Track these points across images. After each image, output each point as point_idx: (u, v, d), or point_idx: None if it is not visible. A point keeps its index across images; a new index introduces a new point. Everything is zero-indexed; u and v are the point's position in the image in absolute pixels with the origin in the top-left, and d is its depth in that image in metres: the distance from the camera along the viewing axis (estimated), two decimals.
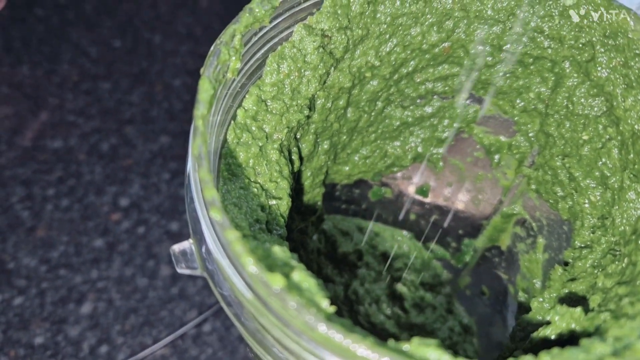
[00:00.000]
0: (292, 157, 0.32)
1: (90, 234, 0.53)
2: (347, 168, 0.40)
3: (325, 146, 0.36)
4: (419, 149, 0.40)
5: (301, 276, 0.21)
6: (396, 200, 0.47)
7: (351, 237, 0.46)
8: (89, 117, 0.60)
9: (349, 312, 0.43)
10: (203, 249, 0.23)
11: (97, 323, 0.48)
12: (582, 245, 0.32)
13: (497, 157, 0.40)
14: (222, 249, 0.21)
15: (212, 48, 0.25)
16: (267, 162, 0.28)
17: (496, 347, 0.44)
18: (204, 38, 0.69)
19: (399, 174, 0.45)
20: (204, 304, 0.49)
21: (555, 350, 0.20)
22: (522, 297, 0.39)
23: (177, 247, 0.23)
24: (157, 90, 0.63)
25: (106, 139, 0.59)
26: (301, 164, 0.34)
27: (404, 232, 0.48)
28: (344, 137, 0.37)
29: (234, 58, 0.26)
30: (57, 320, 0.48)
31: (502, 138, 0.39)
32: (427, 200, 0.46)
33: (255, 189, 0.27)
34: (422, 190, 0.46)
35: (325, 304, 0.20)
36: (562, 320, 0.24)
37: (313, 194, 0.38)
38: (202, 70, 0.25)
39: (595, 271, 0.29)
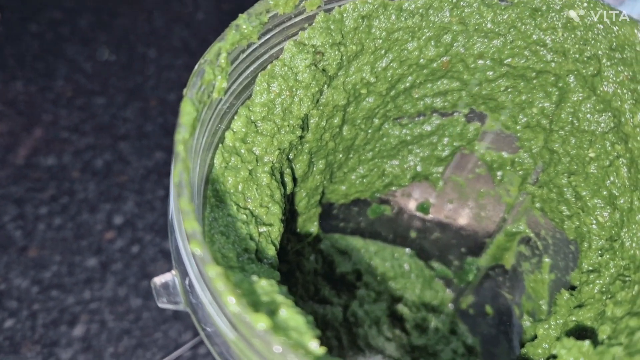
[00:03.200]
0: (285, 179, 0.30)
1: (83, 253, 0.51)
2: (344, 187, 0.38)
3: (321, 165, 0.34)
4: (418, 168, 0.38)
5: (289, 313, 0.19)
6: (396, 218, 0.45)
7: (349, 257, 0.45)
8: (83, 133, 0.59)
9: (348, 335, 0.42)
10: (186, 281, 0.22)
11: (90, 345, 0.47)
12: (590, 269, 0.30)
13: (499, 173, 0.39)
14: (204, 284, 0.20)
15: (195, 67, 0.24)
16: (258, 186, 0.27)
17: None
18: (200, 52, 0.67)
19: (398, 191, 0.43)
20: None
21: None
22: (527, 320, 0.37)
23: (158, 280, 0.22)
24: (152, 105, 0.62)
25: (100, 156, 0.58)
26: (295, 185, 0.33)
27: (405, 250, 0.47)
28: (340, 156, 0.36)
29: (219, 77, 0.24)
30: (49, 343, 0.46)
31: (505, 154, 0.38)
32: (428, 217, 0.45)
33: (245, 216, 0.25)
34: (423, 207, 0.44)
35: (314, 345, 0.18)
36: (569, 354, 0.23)
37: (309, 215, 0.37)
38: (185, 91, 0.23)
39: (604, 297, 0.28)
